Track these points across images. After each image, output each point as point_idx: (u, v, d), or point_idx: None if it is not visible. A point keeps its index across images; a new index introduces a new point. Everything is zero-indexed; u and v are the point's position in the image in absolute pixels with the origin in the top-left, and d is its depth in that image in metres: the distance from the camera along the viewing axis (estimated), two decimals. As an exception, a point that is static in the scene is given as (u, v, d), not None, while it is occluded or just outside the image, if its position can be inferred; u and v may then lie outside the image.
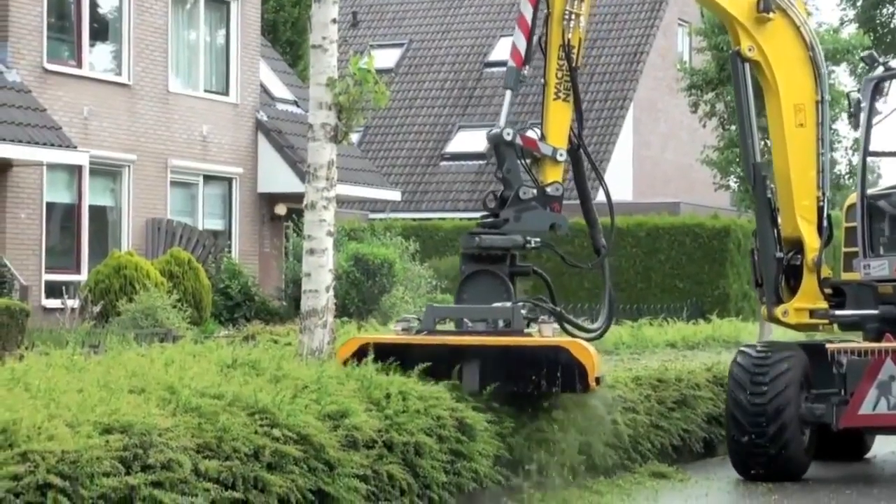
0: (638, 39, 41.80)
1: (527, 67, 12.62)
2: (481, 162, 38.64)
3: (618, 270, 32.26)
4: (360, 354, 11.25)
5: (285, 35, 39.05)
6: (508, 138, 12.28)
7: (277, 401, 9.32)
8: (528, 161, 12.57)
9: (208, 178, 28.92)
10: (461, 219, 34.76)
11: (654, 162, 42.27)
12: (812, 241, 13.45)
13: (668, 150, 42.80)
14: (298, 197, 19.80)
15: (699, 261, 32.39)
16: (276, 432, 8.99)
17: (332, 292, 12.58)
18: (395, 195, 33.37)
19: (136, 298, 21.16)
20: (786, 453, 12.72)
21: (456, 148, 39.34)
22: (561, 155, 12.49)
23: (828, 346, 12.96)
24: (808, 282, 13.44)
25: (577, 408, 12.36)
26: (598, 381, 11.34)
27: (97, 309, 21.11)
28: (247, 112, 29.60)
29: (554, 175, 12.51)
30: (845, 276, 13.91)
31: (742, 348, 13.48)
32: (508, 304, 11.74)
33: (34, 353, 10.69)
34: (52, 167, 24.65)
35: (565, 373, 11.18)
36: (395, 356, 11.21)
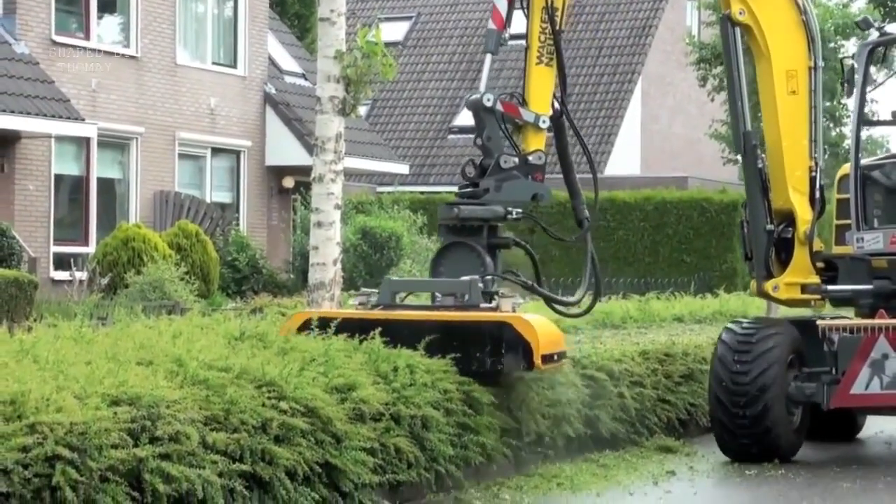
0: (647, 13, 41.67)
1: (508, 30, 12.06)
2: (489, 135, 38.62)
3: (625, 244, 32.27)
4: (304, 329, 10.88)
5: (293, 8, 39.02)
6: (488, 104, 11.76)
7: (285, 374, 9.34)
8: (509, 128, 12.11)
9: (216, 151, 28.92)
10: (469, 192, 34.69)
11: (663, 136, 42.20)
12: (804, 213, 12.93)
13: (676, 124, 42.73)
14: (306, 170, 19.81)
15: (707, 235, 32.35)
16: (283, 405, 9.01)
17: (339, 265, 12.59)
18: (402, 168, 33.36)
19: (144, 271, 21.19)
20: (771, 435, 12.22)
21: (464, 121, 39.26)
22: (544, 122, 11.96)
23: (818, 322, 12.52)
24: (800, 255, 12.92)
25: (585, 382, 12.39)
26: (553, 359, 10.83)
27: (105, 281, 21.16)
28: (255, 85, 29.58)
29: (536, 143, 11.98)
30: (837, 249, 13.40)
31: (728, 324, 12.96)
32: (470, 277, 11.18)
33: (42, 324, 10.71)
34: (60, 139, 24.67)
35: (509, 350, 10.67)
36: (340, 331, 10.69)
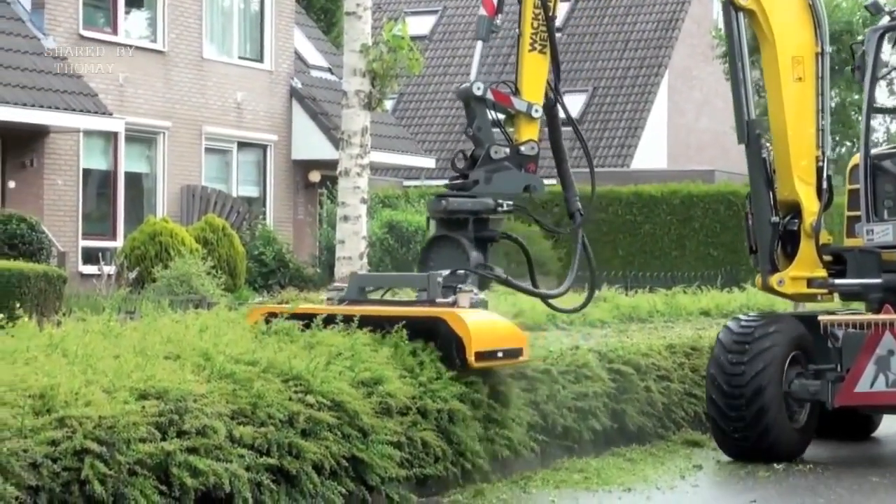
0: (673, 7, 41.56)
1: (499, 16, 11.71)
2: (515, 129, 38.59)
3: (652, 238, 32.21)
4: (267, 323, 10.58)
5: (319, 2, 39.04)
6: (478, 93, 11.34)
7: (311, 367, 9.35)
8: (502, 118, 11.69)
9: (243, 145, 28.98)
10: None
11: (689, 129, 42.08)
12: (810, 205, 12.40)
13: (702, 118, 42.60)
14: (332, 164, 19.81)
15: (733, 229, 32.24)
16: (310, 399, 9.02)
17: (365, 259, 12.62)
18: (429, 162, 33.35)
19: (171, 265, 21.25)
20: (769, 436, 11.76)
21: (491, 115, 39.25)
22: (536, 111, 11.54)
23: (819, 318, 11.99)
24: (806, 248, 12.38)
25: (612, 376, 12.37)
26: (496, 356, 10.34)
27: (133, 275, 21.23)
28: (281, 79, 29.62)
29: (529, 133, 11.54)
30: (849, 241, 12.77)
31: (729, 321, 12.43)
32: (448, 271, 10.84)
33: (71, 318, 10.74)
34: (89, 134, 24.77)
35: (443, 346, 10.31)
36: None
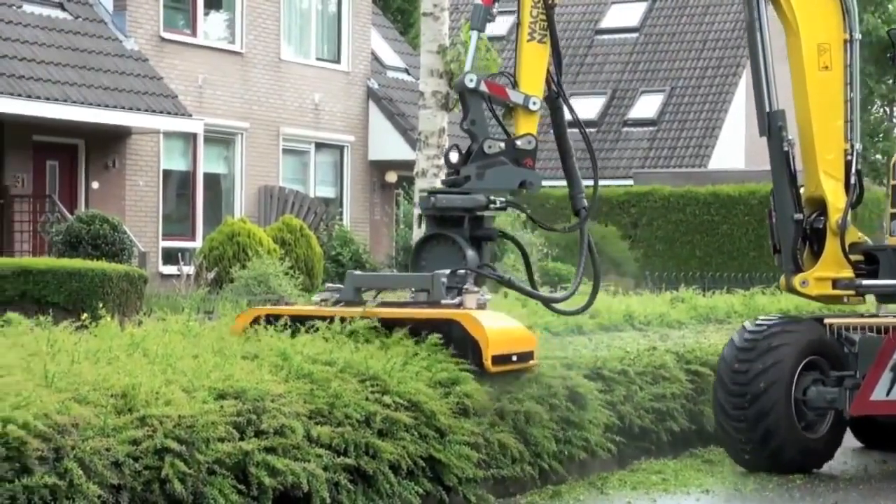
0: (752, 5, 41.20)
1: (496, 5, 11.22)
2: (592, 129, 38.44)
3: (729, 238, 31.96)
4: (255, 325, 10.17)
5: (396, 2, 39.13)
6: (471, 85, 10.76)
7: (388, 368, 9.36)
8: (500, 111, 11.24)
9: (320, 146, 29.12)
10: (572, 186, 34.59)
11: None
12: (836, 201, 11.69)
13: (781, 117, 42.22)
14: (409, 164, 19.86)
15: (813, 229, 31.95)
16: (387, 399, 9.03)
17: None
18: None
19: (249, 265, 21.38)
20: (771, 442, 11.08)
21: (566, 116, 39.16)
22: (534, 103, 10.96)
23: (826, 321, 11.41)
24: (832, 247, 11.65)
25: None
26: (511, 360, 9.92)
27: (211, 275, 21.39)
28: (358, 80, 29.71)
29: (527, 126, 10.99)
30: (892, 240, 11.99)
31: (746, 321, 11.81)
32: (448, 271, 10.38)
33: (152, 318, 10.84)
34: (168, 135, 25.00)
35: (459, 349, 9.84)
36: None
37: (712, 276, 27.80)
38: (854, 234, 11.84)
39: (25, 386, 7.33)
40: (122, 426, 7.42)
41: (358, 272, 11.37)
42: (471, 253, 10.59)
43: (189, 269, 21.95)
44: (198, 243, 24.73)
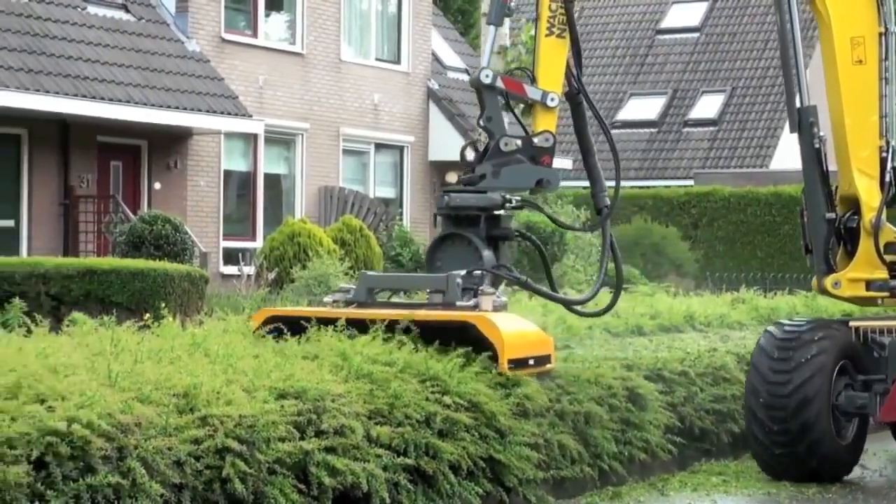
0: (814, 4, 40.91)
1: (513, 0, 10.92)
2: (652, 130, 38.28)
3: (791, 239, 31.73)
4: (267, 325, 9.95)
5: (456, 3, 39.15)
6: (487, 81, 10.49)
7: (448, 368, 9.36)
8: (520, 108, 10.97)
9: (380, 147, 29.17)
10: (632, 187, 34.50)
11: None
12: (870, 199, 11.31)
13: (844, 117, 41.87)
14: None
15: (876, 230, 31.66)
16: (447, 399, 9.02)
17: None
18: (566, 163, 33.24)
19: (309, 265, 21.45)
20: (815, 455, 10.73)
21: (627, 115, 39.02)
22: (552, 100, 10.65)
23: (851, 323, 11.08)
24: (865, 247, 11.23)
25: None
26: (527, 364, 9.65)
27: (272, 275, 21.47)
28: (418, 80, 29.74)
29: (545, 123, 10.68)
30: None
31: (771, 326, 11.37)
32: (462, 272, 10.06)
33: (212, 318, 10.90)
34: (229, 136, 25.14)
35: (477, 352, 9.55)
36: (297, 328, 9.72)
37: (773, 276, 27.62)
38: (889, 234, 11.48)
39: (90, 385, 7.39)
40: (183, 426, 7.47)
41: (371, 272, 11.16)
42: (487, 253, 10.31)
43: (249, 270, 22.05)
44: (258, 243, 24.84)
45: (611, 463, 10.36)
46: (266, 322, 10.00)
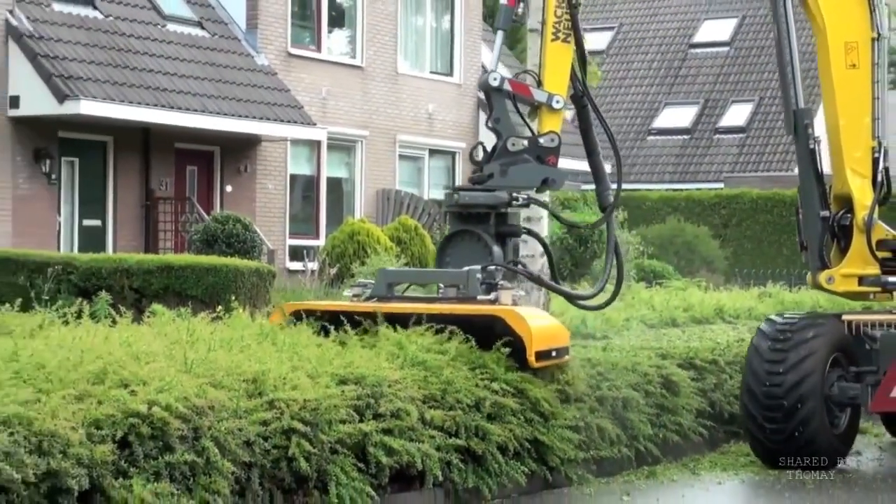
0: (837, 19, 40.56)
1: (521, 5, 10.80)
2: (686, 136, 38.09)
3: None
4: (296, 319, 9.70)
5: (504, 20, 39.02)
6: (495, 83, 10.37)
7: (497, 356, 9.37)
8: (527, 110, 10.76)
9: (433, 152, 29.18)
10: (666, 189, 34.36)
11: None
12: (863, 198, 11.05)
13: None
14: (516, 169, 19.81)
15: None
16: (495, 386, 9.04)
17: (545, 257, 12.56)
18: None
19: (368, 262, 21.46)
20: (811, 447, 10.41)
21: (662, 124, 38.84)
22: (558, 102, 10.48)
23: (844, 317, 10.88)
24: (858, 244, 11.01)
25: None
26: (551, 355, 9.37)
27: (333, 271, 21.52)
28: (469, 91, 29.73)
29: (551, 124, 10.50)
30: None
31: (763, 323, 11.01)
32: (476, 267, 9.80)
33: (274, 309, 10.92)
34: (295, 142, 25.23)
35: (504, 345, 9.35)
36: (330, 322, 9.55)
37: (798, 273, 27.42)
38: (881, 231, 11.26)
39: (168, 371, 7.46)
40: (252, 409, 7.52)
41: (390, 268, 10.93)
42: (497, 249, 10.12)
43: (313, 265, 22.12)
44: (321, 241, 24.91)
45: (646, 444, 10.34)
46: (294, 315, 9.74)
